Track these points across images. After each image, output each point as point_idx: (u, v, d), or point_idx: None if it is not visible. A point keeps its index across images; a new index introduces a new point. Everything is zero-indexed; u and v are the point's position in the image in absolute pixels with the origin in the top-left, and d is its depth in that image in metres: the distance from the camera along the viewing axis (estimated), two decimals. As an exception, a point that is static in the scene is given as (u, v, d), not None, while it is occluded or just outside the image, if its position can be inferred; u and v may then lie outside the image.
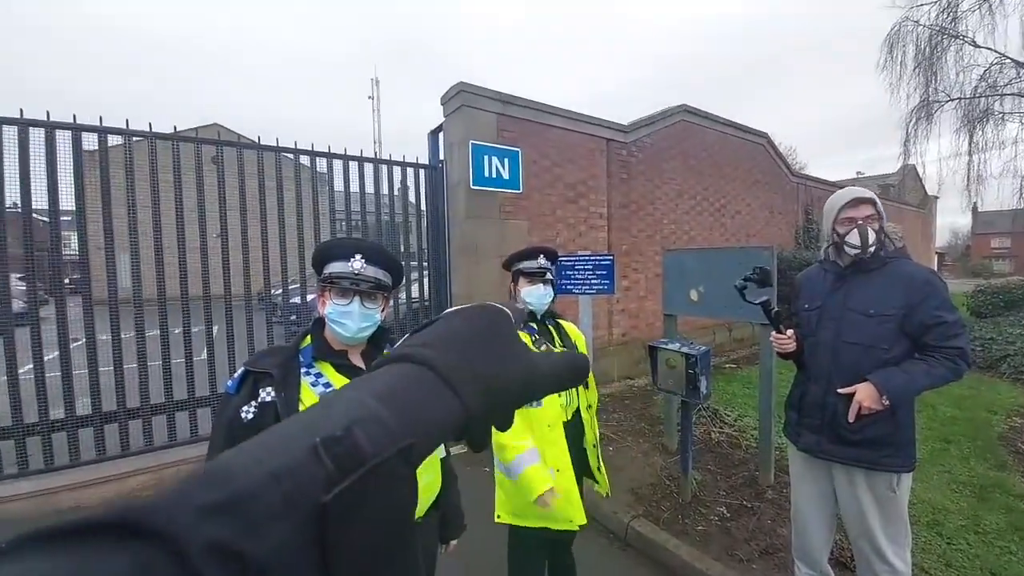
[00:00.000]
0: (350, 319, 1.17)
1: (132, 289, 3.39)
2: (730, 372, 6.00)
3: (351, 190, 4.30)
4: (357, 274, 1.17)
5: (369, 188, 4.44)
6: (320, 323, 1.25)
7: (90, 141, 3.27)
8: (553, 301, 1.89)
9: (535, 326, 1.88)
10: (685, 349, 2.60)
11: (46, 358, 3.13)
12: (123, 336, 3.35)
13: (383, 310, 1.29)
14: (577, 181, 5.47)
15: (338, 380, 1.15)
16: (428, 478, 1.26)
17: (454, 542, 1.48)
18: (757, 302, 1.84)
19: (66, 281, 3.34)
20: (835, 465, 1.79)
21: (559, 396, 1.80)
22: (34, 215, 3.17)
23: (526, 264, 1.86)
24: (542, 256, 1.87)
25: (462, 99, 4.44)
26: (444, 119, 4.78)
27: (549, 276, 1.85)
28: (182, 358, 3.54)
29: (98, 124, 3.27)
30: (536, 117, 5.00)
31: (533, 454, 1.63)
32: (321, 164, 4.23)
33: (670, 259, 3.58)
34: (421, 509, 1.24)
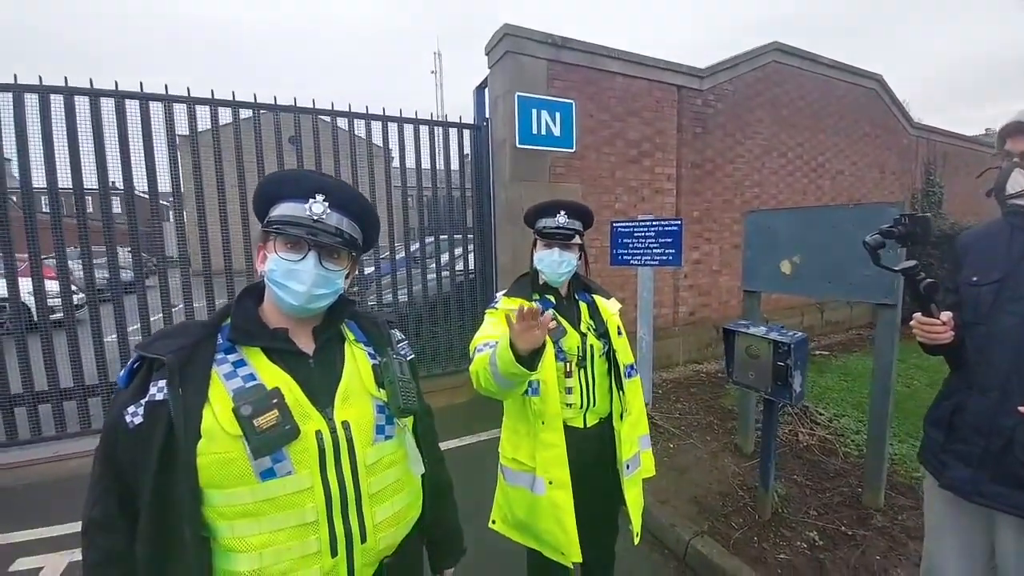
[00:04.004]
0: (299, 281, 0.83)
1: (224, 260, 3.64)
2: (821, 361, 5.12)
3: (390, 152, 4.05)
4: (316, 220, 0.84)
5: (413, 152, 4.15)
6: (251, 291, 0.92)
7: (182, 123, 3.42)
8: (572, 272, 1.48)
9: (552, 299, 1.47)
10: (774, 335, 2.03)
11: (152, 318, 3.45)
12: (219, 303, 3.60)
13: (349, 276, 0.94)
14: (641, 138, 4.78)
15: (268, 371, 0.82)
16: (398, 506, 0.91)
17: (450, 571, 1.14)
18: (899, 268, 1.25)
19: (174, 255, 3.77)
20: (1000, 515, 1.21)
21: (562, 392, 1.40)
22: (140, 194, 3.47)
23: (543, 222, 1.46)
24: (562, 213, 1.45)
25: (508, 44, 3.93)
26: (489, 71, 4.31)
27: (572, 239, 1.44)
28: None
29: (187, 95, 3.41)
30: (593, 63, 4.36)
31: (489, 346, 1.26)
32: (362, 130, 3.99)
33: (755, 222, 2.90)
34: (395, 540, 0.91)
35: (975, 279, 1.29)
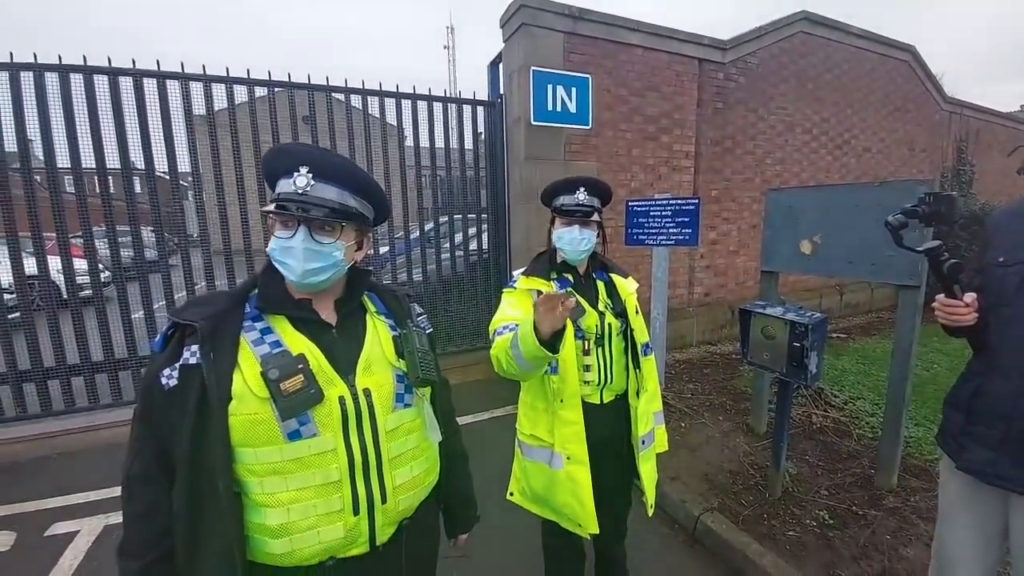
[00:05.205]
0: (292, 257, 0.84)
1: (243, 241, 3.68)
2: (839, 344, 5.05)
3: (404, 128, 4.02)
4: (302, 194, 0.83)
5: (427, 130, 4.12)
6: None
7: (199, 103, 3.43)
8: (591, 249, 1.48)
9: (570, 278, 1.47)
10: (791, 315, 2.00)
11: (176, 296, 3.53)
12: (239, 282, 3.65)
13: (360, 249, 0.95)
14: (659, 114, 4.66)
15: (293, 339, 0.85)
16: (416, 471, 0.95)
17: (464, 536, 1.20)
18: (921, 249, 1.21)
19: (194, 235, 3.77)
20: (1017, 497, 1.21)
21: (580, 370, 1.41)
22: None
23: (562, 199, 1.45)
24: (582, 190, 1.44)
25: (523, 16, 3.82)
26: (503, 45, 4.21)
27: (592, 216, 1.44)
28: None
29: (202, 73, 3.41)
30: (611, 35, 4.22)
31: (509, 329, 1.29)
32: (376, 107, 3.96)
33: (775, 200, 2.83)
34: (413, 503, 0.95)
35: (1002, 259, 1.25)
